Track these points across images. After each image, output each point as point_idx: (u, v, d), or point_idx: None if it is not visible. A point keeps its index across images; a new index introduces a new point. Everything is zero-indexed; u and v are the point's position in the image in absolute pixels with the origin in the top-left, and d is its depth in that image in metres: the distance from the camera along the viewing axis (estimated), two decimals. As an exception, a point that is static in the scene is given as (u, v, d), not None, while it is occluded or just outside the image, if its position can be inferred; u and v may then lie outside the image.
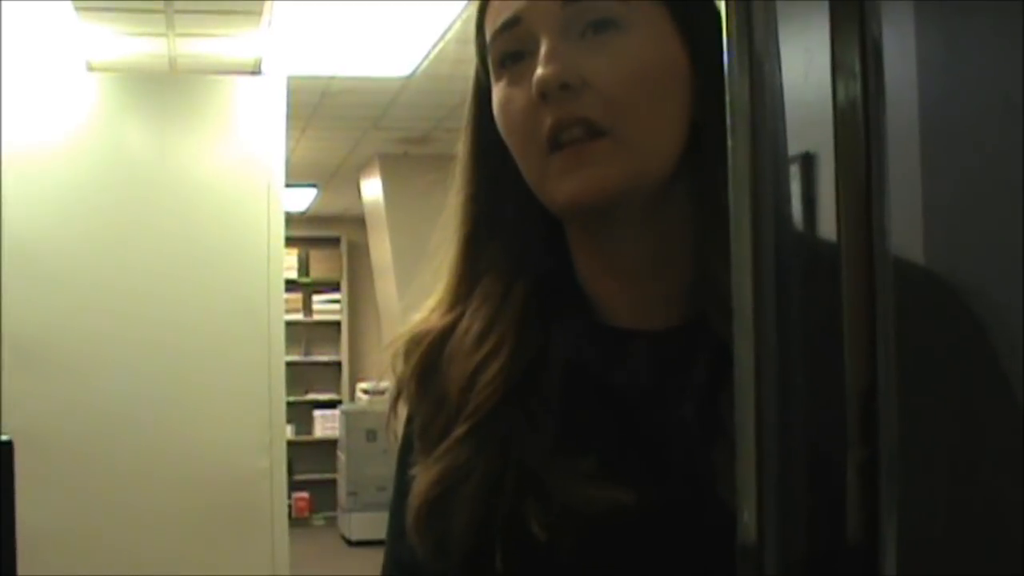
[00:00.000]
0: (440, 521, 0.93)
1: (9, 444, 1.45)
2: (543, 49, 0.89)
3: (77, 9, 4.60)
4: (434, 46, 5.09)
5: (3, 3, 4.37)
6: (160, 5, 4.64)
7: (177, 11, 4.72)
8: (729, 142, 0.51)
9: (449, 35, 4.82)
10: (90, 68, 5.36)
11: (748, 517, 0.48)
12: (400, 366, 1.01)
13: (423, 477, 0.95)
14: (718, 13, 0.95)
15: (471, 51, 1.01)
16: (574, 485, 0.89)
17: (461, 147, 1.01)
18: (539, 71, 0.88)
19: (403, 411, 1.02)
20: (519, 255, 0.98)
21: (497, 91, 0.94)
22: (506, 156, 0.95)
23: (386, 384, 1.05)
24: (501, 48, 0.93)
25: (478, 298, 0.98)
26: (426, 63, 5.37)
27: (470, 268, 1.00)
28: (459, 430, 0.94)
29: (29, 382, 4.20)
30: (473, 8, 1.00)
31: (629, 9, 0.90)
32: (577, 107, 0.88)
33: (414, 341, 1.01)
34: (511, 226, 0.99)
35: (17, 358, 4.21)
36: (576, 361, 0.94)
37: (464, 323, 0.98)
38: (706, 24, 0.93)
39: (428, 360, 0.99)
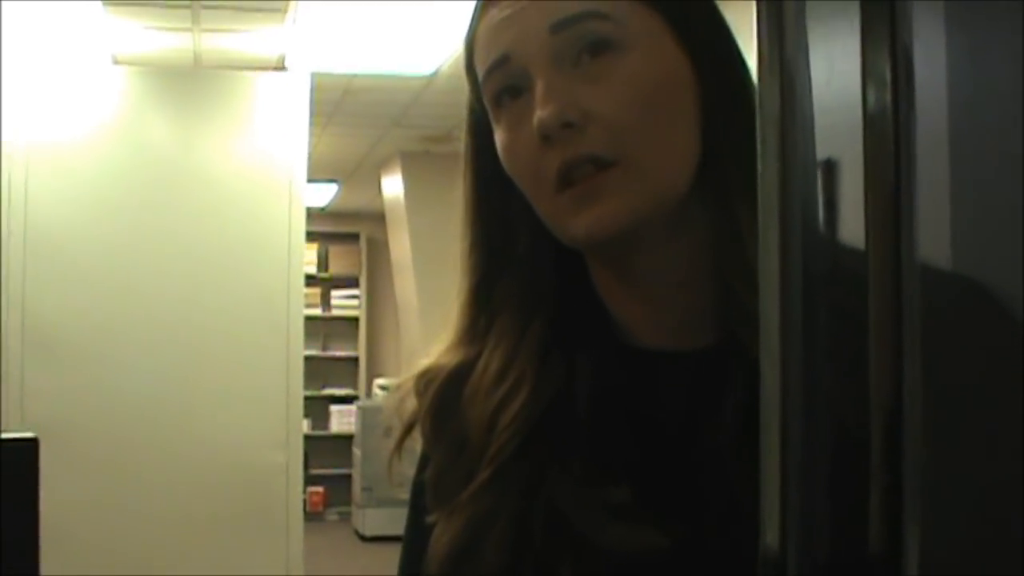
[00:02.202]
0: (467, 572, 0.89)
1: (35, 441, 1.46)
2: (538, 88, 0.85)
3: (104, 3, 4.62)
4: (457, 45, 5.08)
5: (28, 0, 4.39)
6: (186, 1, 4.66)
7: (203, 7, 4.73)
8: (759, 149, 0.51)
9: (473, 34, 4.81)
10: (116, 62, 5.38)
11: (771, 536, 0.48)
12: (409, 406, 0.97)
13: (447, 526, 0.90)
14: (718, 15, 0.92)
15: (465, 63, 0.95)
16: (605, 524, 0.85)
17: (462, 188, 0.96)
18: (538, 113, 0.84)
19: (409, 451, 0.98)
20: (535, 289, 0.94)
21: (499, 134, 0.89)
22: (512, 190, 0.90)
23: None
24: (494, 87, 0.89)
25: (495, 336, 0.94)
26: (449, 62, 5.37)
27: (481, 310, 0.95)
28: (482, 475, 0.89)
29: (48, 376, 4.22)
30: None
31: (623, 26, 0.85)
32: (583, 144, 0.84)
33: (426, 379, 0.96)
34: (524, 261, 0.94)
35: (37, 352, 4.23)
36: (604, 388, 0.90)
37: (482, 363, 0.93)
38: (706, 29, 0.89)
39: (443, 398, 0.94)
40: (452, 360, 0.96)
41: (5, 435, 1.55)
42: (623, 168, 0.84)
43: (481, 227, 0.95)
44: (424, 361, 0.98)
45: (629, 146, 0.84)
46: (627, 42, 0.86)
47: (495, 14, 0.89)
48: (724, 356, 0.86)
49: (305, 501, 4.75)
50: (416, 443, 0.99)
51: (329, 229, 10.61)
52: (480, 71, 0.91)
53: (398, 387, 0.99)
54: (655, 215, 0.86)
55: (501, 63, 0.88)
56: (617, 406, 0.90)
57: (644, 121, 0.85)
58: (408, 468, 1.00)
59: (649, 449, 0.89)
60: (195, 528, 4.31)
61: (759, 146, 0.51)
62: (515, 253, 0.95)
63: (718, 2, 0.93)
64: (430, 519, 0.92)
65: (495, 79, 0.89)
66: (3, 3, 4.34)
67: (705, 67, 0.88)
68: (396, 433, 0.97)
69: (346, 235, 11.11)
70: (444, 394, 0.95)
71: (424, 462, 0.97)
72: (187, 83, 4.71)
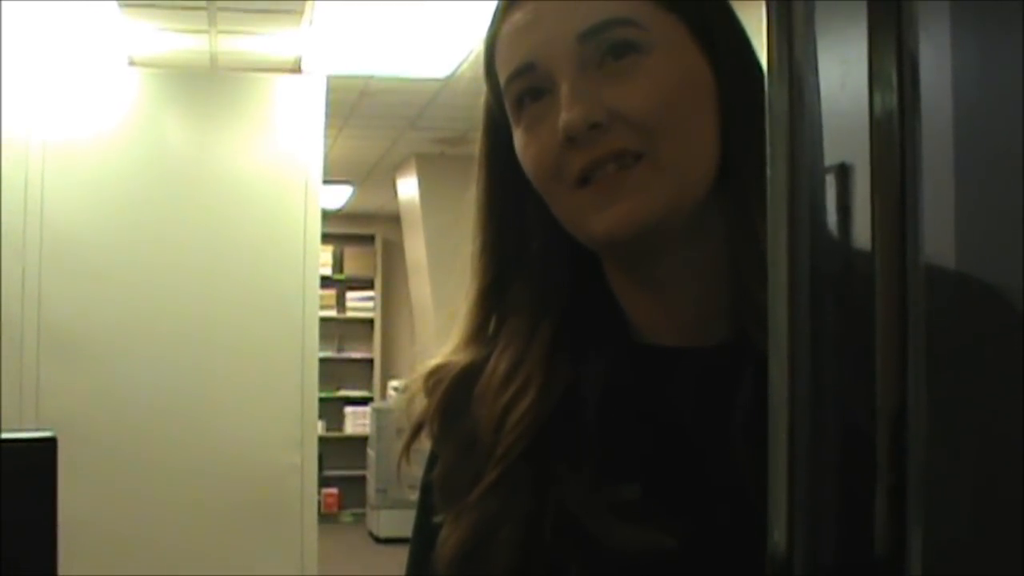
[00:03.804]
0: (476, 574, 0.89)
1: (53, 440, 1.46)
2: (564, 90, 0.85)
3: (120, 5, 4.64)
4: (473, 48, 5.10)
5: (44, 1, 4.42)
6: (203, 3, 4.68)
7: (219, 8, 4.75)
8: (768, 151, 0.52)
9: (488, 36, 4.82)
10: (132, 63, 5.40)
11: (778, 535, 0.48)
12: (418, 405, 0.96)
13: (455, 527, 0.90)
14: (737, 23, 0.93)
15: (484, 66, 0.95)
16: (615, 524, 0.84)
17: (476, 189, 0.97)
18: (564, 115, 0.84)
19: (420, 453, 0.98)
20: (546, 291, 0.94)
21: (518, 134, 0.90)
22: (526, 192, 0.91)
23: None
24: (517, 91, 0.89)
25: (504, 337, 0.94)
26: (465, 64, 5.38)
27: (490, 312, 0.96)
28: (490, 475, 0.89)
29: (64, 374, 4.24)
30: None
31: (646, 30, 0.86)
32: (609, 141, 0.84)
33: (435, 378, 0.96)
34: (537, 263, 0.94)
35: (53, 350, 4.25)
36: (615, 387, 0.90)
37: (491, 363, 0.93)
38: (726, 37, 0.90)
39: (452, 397, 0.94)
40: (462, 360, 0.96)
41: (23, 434, 1.56)
42: (650, 162, 0.85)
43: (494, 229, 0.96)
44: (432, 361, 0.98)
45: (655, 141, 0.85)
46: (649, 44, 0.86)
47: (518, 18, 0.89)
48: (736, 354, 0.86)
49: (319, 502, 4.76)
50: (426, 444, 0.98)
51: (344, 231, 10.62)
52: (502, 75, 0.91)
53: (406, 387, 0.99)
54: (675, 216, 0.86)
55: (526, 70, 0.88)
56: (627, 405, 0.90)
57: (668, 117, 0.85)
58: (419, 470, 0.99)
59: (659, 448, 0.89)
60: (209, 528, 4.32)
61: (768, 149, 0.51)
62: (527, 255, 0.95)
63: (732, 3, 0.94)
64: (437, 519, 0.93)
65: (518, 84, 0.89)
66: (22, 5, 4.37)
67: (725, 73, 0.89)
68: (405, 433, 0.97)
69: (361, 237, 11.12)
70: (453, 394, 0.95)
71: (432, 462, 0.97)
72: (203, 85, 4.72)
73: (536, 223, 0.93)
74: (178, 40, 5.22)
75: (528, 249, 0.95)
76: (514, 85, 0.89)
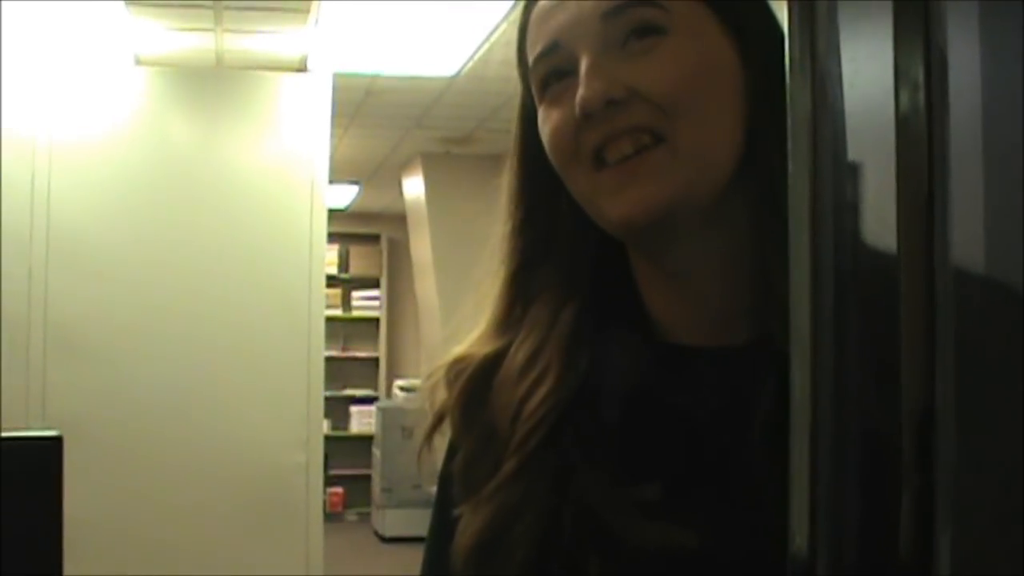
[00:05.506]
0: (493, 566, 0.88)
1: (59, 439, 1.46)
2: (583, 66, 0.86)
3: (127, 3, 4.64)
4: (479, 47, 5.09)
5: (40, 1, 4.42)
6: (208, 1, 4.67)
7: (225, 7, 4.75)
8: (790, 149, 0.51)
9: (495, 36, 4.82)
10: (138, 62, 5.40)
11: (800, 540, 0.48)
12: (440, 395, 0.96)
13: (472, 519, 0.90)
14: (767, 8, 0.91)
15: (515, 54, 0.97)
16: (635, 522, 0.84)
17: (507, 175, 0.97)
18: (581, 91, 0.85)
19: (440, 442, 0.98)
20: (572, 276, 0.94)
21: (541, 113, 0.91)
22: (559, 178, 0.91)
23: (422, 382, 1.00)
24: (542, 72, 0.90)
25: (526, 326, 0.94)
26: (471, 64, 5.37)
27: (517, 298, 0.96)
28: (509, 465, 0.89)
29: (69, 373, 4.25)
30: (519, 10, 0.97)
31: (670, 13, 0.86)
32: (625, 118, 0.84)
33: (456, 369, 0.96)
34: (565, 247, 0.94)
35: (59, 349, 4.25)
36: (636, 382, 0.90)
37: (512, 351, 0.93)
38: (755, 21, 0.89)
39: (473, 387, 0.94)
40: (484, 349, 0.96)
41: (29, 433, 1.56)
42: (668, 145, 0.84)
43: (525, 211, 0.96)
44: (457, 349, 0.98)
45: (673, 120, 0.85)
46: (673, 27, 0.87)
47: (545, 3, 0.91)
48: (760, 354, 0.85)
49: (325, 501, 4.76)
50: (440, 439, 0.98)
51: (350, 230, 10.62)
52: (530, 58, 0.92)
53: (430, 375, 0.99)
54: (692, 202, 0.86)
55: (551, 50, 0.89)
56: (649, 403, 0.89)
57: (686, 97, 0.85)
58: (439, 461, 0.99)
59: (680, 447, 0.88)
60: (215, 527, 4.32)
61: (790, 146, 0.51)
62: (556, 239, 0.95)
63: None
64: (457, 511, 0.92)
65: (544, 65, 0.90)
66: (29, 4, 4.37)
67: (752, 58, 0.88)
68: (427, 421, 0.97)
69: (367, 236, 11.12)
70: (474, 383, 0.95)
71: (452, 453, 0.96)
72: (209, 84, 4.72)
73: (566, 207, 0.93)
74: (184, 39, 5.22)
75: (557, 233, 0.95)
76: (540, 66, 0.91)
